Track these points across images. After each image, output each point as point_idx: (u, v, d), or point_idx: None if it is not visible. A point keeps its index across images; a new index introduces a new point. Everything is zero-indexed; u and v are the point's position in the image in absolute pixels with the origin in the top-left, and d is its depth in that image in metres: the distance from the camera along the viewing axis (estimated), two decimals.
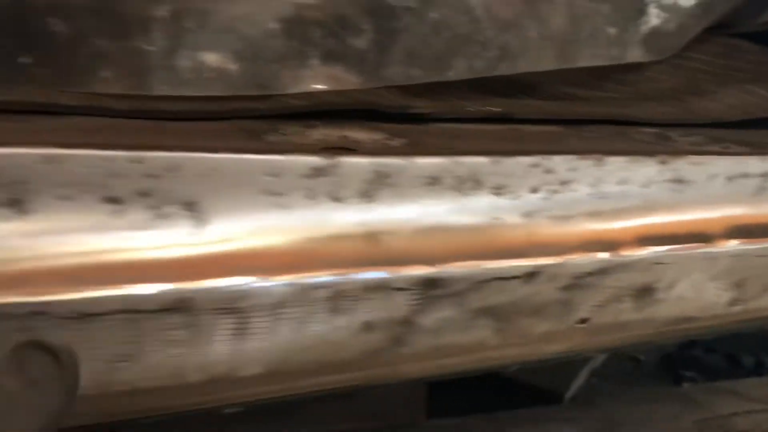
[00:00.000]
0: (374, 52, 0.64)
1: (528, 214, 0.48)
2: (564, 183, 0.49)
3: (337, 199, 0.42)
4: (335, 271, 0.41)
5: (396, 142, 0.51)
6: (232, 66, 0.54)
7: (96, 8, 0.51)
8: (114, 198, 0.37)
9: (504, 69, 0.75)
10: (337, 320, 0.42)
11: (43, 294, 0.34)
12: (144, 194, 0.37)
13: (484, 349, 0.50)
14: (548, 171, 0.49)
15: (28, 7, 0.50)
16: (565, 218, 0.49)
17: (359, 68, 0.63)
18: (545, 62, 0.78)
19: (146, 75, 0.52)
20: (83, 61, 0.51)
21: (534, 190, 0.48)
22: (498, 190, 0.47)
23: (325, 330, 0.42)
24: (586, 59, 0.81)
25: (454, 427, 1.40)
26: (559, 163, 0.49)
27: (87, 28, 0.51)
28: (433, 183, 0.45)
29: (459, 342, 0.48)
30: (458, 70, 0.71)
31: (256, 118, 0.53)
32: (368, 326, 0.43)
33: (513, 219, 0.47)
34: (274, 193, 0.40)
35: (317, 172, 0.41)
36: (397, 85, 0.66)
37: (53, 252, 0.35)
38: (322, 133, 0.52)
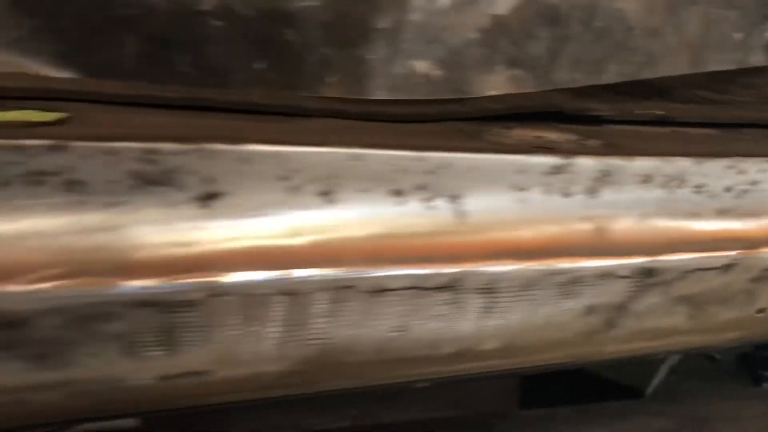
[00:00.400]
0: (546, 58, 0.69)
1: (723, 211, 0.52)
2: (754, 183, 0.53)
3: (567, 194, 0.47)
4: (571, 259, 0.46)
5: (591, 143, 0.56)
6: (437, 72, 0.60)
7: (326, 20, 0.56)
8: (398, 191, 0.42)
9: (646, 73, 0.80)
10: (565, 303, 0.47)
11: (349, 269, 0.40)
12: (421, 188, 0.43)
13: (675, 334, 0.54)
14: (741, 172, 0.53)
15: (265, 19, 0.56)
16: (755, 215, 0.53)
17: (533, 73, 0.68)
18: (680, 67, 0.83)
19: (366, 81, 0.57)
20: (311, 68, 0.57)
21: (728, 189, 0.53)
22: (698, 188, 0.51)
23: (554, 311, 0.47)
24: (714, 64, 0.85)
25: (545, 417, 1.44)
26: (751, 165, 0.53)
27: (317, 38, 0.57)
28: (646, 181, 0.50)
29: (657, 326, 0.53)
30: (610, 75, 0.76)
31: (457, 120, 0.59)
32: (590, 309, 0.48)
33: (710, 215, 0.52)
34: (519, 188, 0.46)
35: (555, 170, 0.46)
36: (561, 89, 0.71)
37: (355, 235, 0.41)
38: (519, 133, 0.57)
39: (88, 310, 0.35)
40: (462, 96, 0.62)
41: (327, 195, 0.41)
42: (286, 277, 0.39)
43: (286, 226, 0.39)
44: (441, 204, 0.43)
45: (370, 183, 0.41)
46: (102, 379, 0.37)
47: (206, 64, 0.57)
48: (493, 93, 0.65)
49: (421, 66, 0.59)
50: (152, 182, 0.36)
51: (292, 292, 0.39)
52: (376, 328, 0.42)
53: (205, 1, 0.55)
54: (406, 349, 0.44)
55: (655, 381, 1.57)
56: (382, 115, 0.55)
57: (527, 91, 0.68)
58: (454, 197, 0.44)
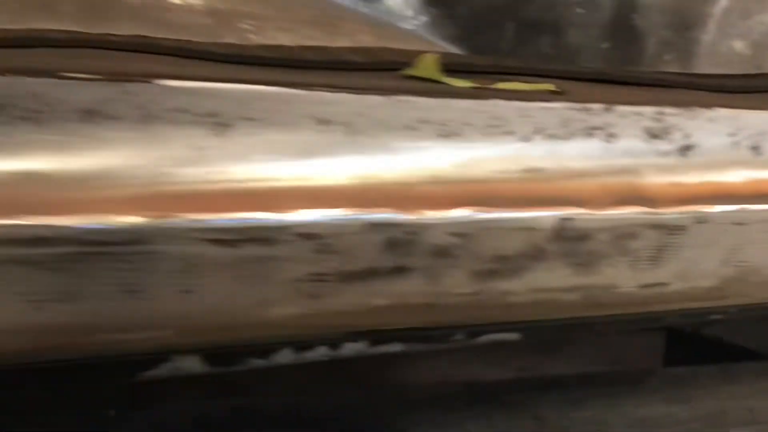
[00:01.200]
0: None
1: None
2: None
3: None
4: None
5: None
6: (747, 52, 0.71)
7: (668, 7, 0.68)
8: (753, 144, 0.53)
9: None
10: None
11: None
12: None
13: None
14: None
15: (618, 7, 0.68)
16: None
17: None
18: None
19: (695, 58, 0.69)
20: (652, 47, 0.68)
21: None
22: None
23: None
24: None
25: (689, 374, 1.54)
26: None
27: (659, 22, 0.68)
28: None
29: None
30: None
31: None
32: None
33: None
34: None
35: None
36: None
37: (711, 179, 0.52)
38: None
39: (624, 230, 0.47)
40: (760, 72, 0.73)
41: (756, 149, 0.52)
42: (741, 208, 0.51)
43: (738, 174, 0.51)
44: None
45: (731, 138, 0.53)
46: (605, 285, 0.49)
47: (563, 44, 0.68)
48: None
49: (739, 46, 0.70)
50: (654, 136, 0.48)
51: (741, 222, 0.51)
52: (711, 254, 0.53)
53: None
54: (713, 276, 0.54)
55: None
56: (720, 87, 0.66)
57: None
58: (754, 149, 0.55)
